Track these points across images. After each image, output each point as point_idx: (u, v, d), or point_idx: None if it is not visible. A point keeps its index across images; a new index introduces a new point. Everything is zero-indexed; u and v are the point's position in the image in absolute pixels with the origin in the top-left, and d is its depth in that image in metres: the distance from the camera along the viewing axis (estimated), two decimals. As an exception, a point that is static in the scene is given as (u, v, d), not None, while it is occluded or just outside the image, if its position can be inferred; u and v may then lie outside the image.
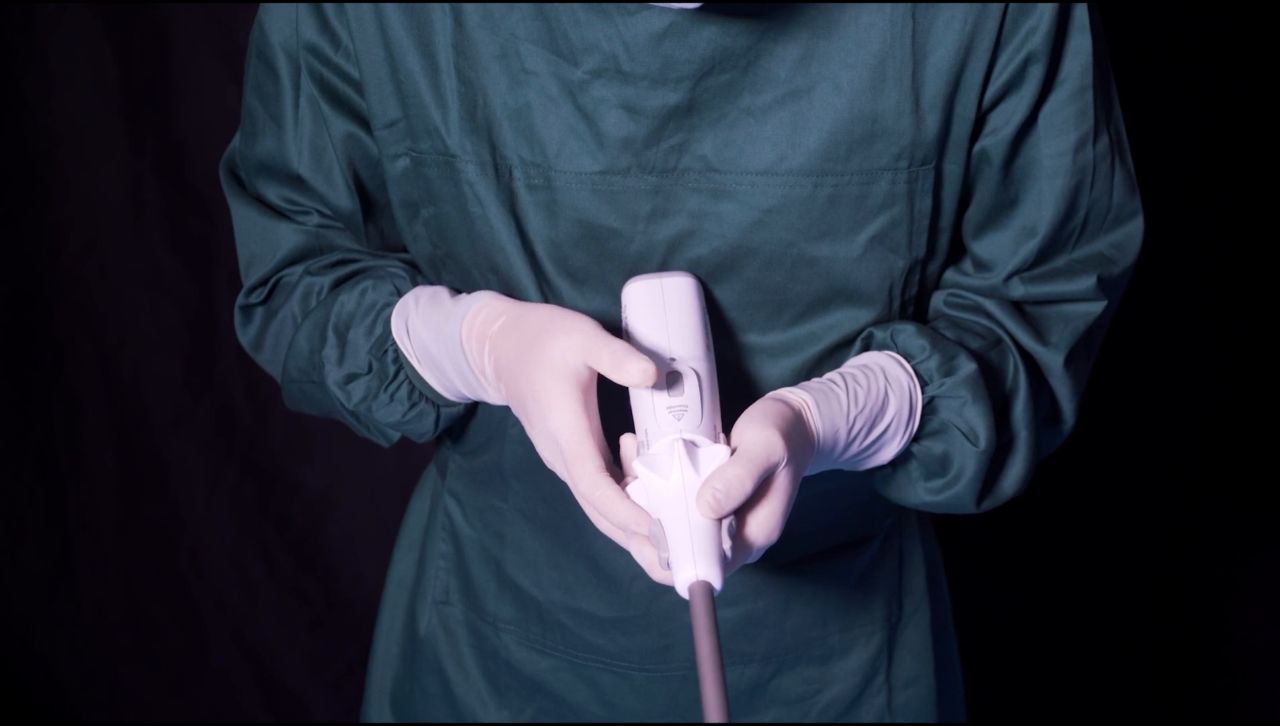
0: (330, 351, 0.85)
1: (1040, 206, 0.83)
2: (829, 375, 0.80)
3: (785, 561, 0.97)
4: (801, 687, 1.03)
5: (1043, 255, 0.85)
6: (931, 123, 0.79)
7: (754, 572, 0.98)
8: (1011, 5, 0.77)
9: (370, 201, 0.90)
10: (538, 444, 0.75)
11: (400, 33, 0.80)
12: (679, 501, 0.69)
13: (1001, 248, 0.85)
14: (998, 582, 1.80)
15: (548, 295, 0.84)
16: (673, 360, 0.75)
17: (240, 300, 0.93)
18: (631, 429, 0.75)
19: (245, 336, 0.94)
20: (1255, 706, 1.82)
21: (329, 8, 0.82)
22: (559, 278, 0.83)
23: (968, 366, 0.82)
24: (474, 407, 0.94)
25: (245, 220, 0.92)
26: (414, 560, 1.10)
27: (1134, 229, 0.87)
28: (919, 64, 0.78)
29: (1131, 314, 1.33)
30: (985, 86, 0.79)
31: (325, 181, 0.88)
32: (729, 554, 0.69)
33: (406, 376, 0.85)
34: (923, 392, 0.82)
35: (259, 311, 0.93)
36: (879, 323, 0.85)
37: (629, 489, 0.71)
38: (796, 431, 0.73)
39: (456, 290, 0.86)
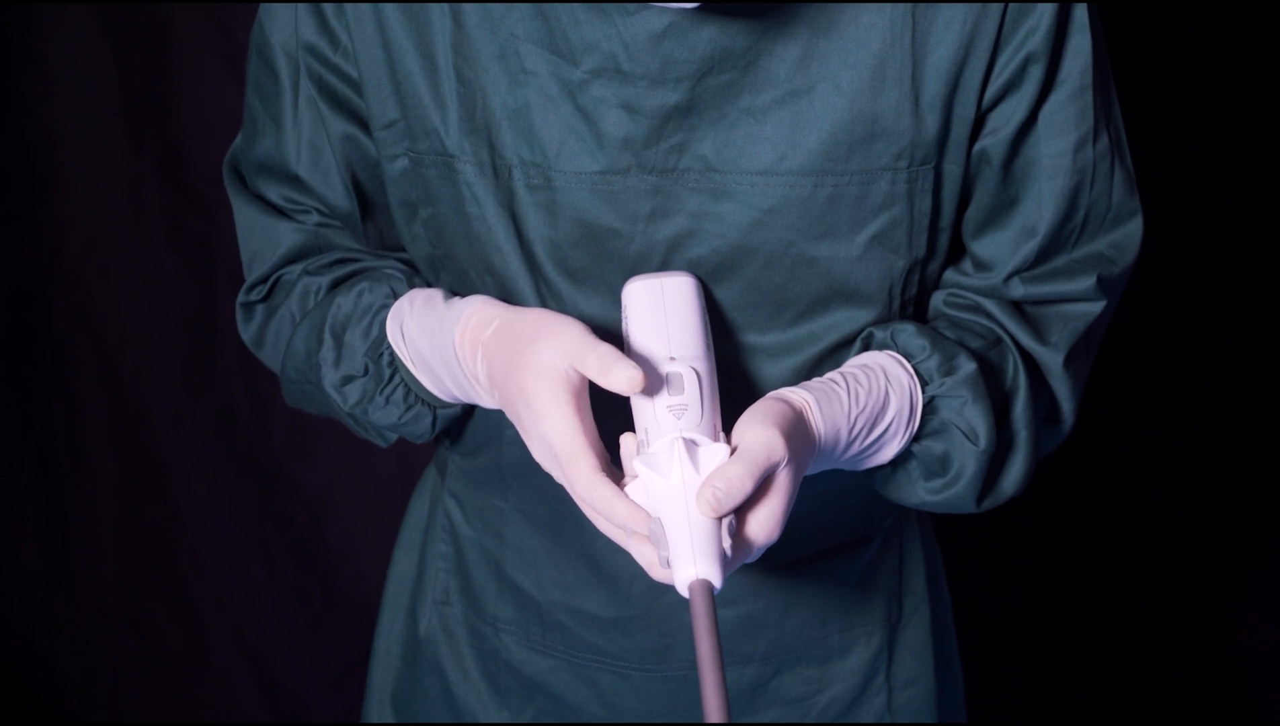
0: (327, 353, 0.85)
1: (1040, 206, 0.83)
2: (830, 375, 0.80)
3: (785, 561, 0.97)
4: (801, 687, 1.03)
5: (1042, 255, 0.85)
6: (931, 123, 0.79)
7: (754, 572, 0.98)
8: (1011, 5, 0.77)
9: (368, 202, 0.90)
10: (533, 448, 0.75)
11: (399, 33, 0.80)
12: (679, 500, 0.69)
13: (1001, 247, 0.85)
14: (998, 582, 1.80)
15: (545, 296, 0.84)
16: (673, 360, 0.75)
17: (241, 297, 0.93)
18: (629, 429, 0.75)
19: (247, 333, 0.94)
20: (1255, 706, 1.82)
21: (328, 8, 0.82)
22: (559, 278, 0.83)
23: (968, 366, 0.82)
24: (472, 408, 0.94)
25: (247, 218, 0.92)
26: (414, 560, 1.10)
27: (1133, 229, 0.87)
28: (919, 64, 0.78)
29: (1131, 314, 1.33)
30: (985, 86, 0.79)
31: (323, 181, 0.88)
32: (729, 553, 0.69)
33: (402, 379, 0.85)
34: (923, 392, 0.82)
35: (260, 308, 0.93)
36: (879, 322, 0.85)
37: (629, 488, 0.71)
38: (798, 431, 0.73)
39: (452, 293, 0.86)
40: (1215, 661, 1.84)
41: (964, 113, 0.80)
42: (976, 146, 0.82)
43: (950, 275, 0.89)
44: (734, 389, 0.84)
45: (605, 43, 0.77)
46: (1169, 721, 1.83)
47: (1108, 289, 0.86)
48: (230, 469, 1.80)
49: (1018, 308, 0.87)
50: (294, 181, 0.89)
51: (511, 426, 0.91)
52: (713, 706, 0.62)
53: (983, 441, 0.81)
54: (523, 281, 0.83)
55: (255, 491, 1.82)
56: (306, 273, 0.90)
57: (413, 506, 1.13)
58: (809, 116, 0.78)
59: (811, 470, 0.77)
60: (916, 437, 0.83)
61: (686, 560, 0.67)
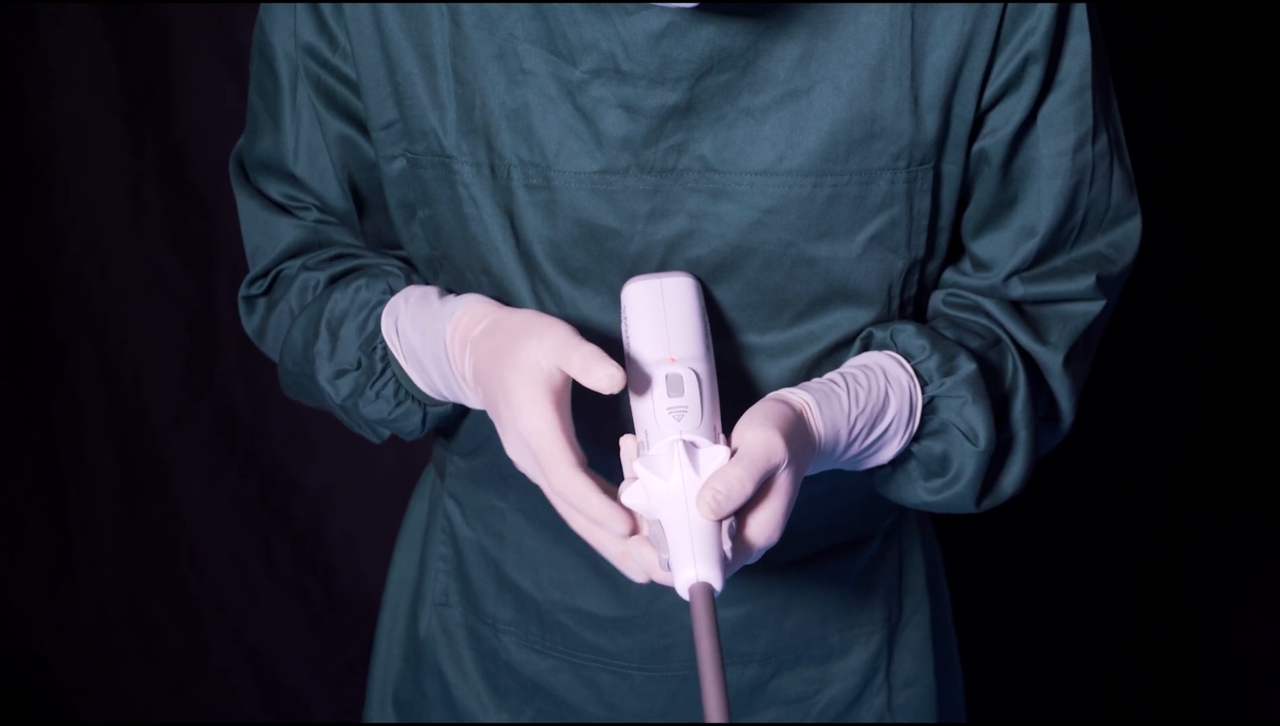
0: (322, 347, 0.86)
1: (1039, 206, 0.83)
2: (829, 375, 0.80)
3: (785, 561, 0.97)
4: (801, 687, 1.03)
5: (1042, 255, 0.85)
6: (930, 123, 0.79)
7: (754, 573, 0.98)
8: (1010, 5, 0.77)
9: (364, 202, 0.90)
10: (509, 446, 0.74)
11: (398, 34, 0.80)
12: (679, 502, 0.69)
13: (1000, 247, 0.85)
14: (998, 582, 1.80)
15: (542, 296, 0.84)
16: (672, 360, 0.75)
17: (243, 291, 0.94)
18: (627, 431, 0.75)
19: (249, 326, 0.95)
20: (1255, 706, 1.82)
21: (327, 9, 0.82)
22: (558, 278, 0.83)
23: (967, 366, 0.82)
24: (467, 408, 0.94)
25: (249, 213, 0.93)
26: (414, 562, 1.11)
27: (1132, 228, 0.87)
28: (918, 64, 0.78)
29: (1130, 314, 1.33)
30: (984, 86, 0.79)
31: (320, 181, 0.89)
32: (729, 555, 0.69)
33: (393, 374, 0.85)
34: (923, 392, 0.82)
35: (261, 302, 0.94)
36: (878, 322, 0.85)
37: (628, 490, 0.71)
38: (798, 432, 0.73)
39: (448, 291, 0.86)
40: (1215, 661, 1.84)
41: (963, 112, 0.80)
42: (976, 146, 0.82)
43: (949, 275, 0.89)
44: (733, 389, 0.84)
45: (604, 42, 0.77)
46: (1169, 721, 1.83)
47: (1107, 288, 0.86)
48: (230, 469, 1.80)
49: (1017, 307, 0.87)
50: (292, 180, 0.90)
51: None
52: (713, 706, 0.63)
53: (982, 441, 0.81)
54: (518, 282, 0.83)
55: (255, 491, 1.82)
56: (305, 268, 0.91)
57: (412, 507, 1.13)
58: (808, 116, 0.78)
59: (811, 471, 0.77)
60: (916, 438, 0.83)
61: (687, 562, 0.67)
